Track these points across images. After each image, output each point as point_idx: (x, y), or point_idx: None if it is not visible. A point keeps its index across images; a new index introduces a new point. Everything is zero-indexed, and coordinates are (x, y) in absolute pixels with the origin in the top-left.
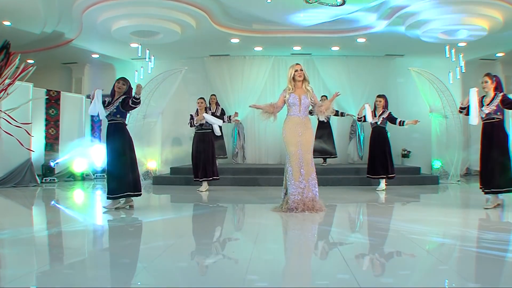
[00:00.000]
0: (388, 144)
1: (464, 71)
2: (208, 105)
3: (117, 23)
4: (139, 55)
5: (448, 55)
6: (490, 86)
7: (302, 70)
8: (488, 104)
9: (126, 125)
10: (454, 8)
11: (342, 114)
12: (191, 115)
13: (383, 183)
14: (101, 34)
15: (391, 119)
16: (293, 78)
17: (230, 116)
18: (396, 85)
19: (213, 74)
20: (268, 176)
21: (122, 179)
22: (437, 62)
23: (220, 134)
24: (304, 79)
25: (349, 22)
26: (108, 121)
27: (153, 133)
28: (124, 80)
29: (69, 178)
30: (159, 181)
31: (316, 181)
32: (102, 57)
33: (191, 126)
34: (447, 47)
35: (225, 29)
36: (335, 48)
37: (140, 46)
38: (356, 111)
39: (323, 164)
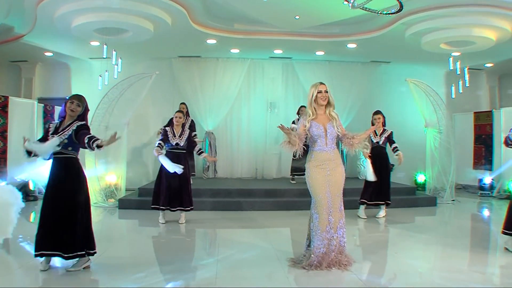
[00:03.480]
0: (389, 168)
1: (468, 85)
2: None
3: (79, 18)
4: (104, 56)
5: (452, 67)
6: None
7: (327, 92)
8: None
9: (79, 160)
10: (464, 18)
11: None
12: (165, 129)
13: (383, 210)
14: (58, 30)
15: (391, 141)
16: (315, 100)
17: (201, 152)
18: (380, 93)
19: (182, 78)
20: (252, 199)
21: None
22: (424, 70)
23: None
24: (329, 103)
25: (341, 26)
26: (54, 154)
27: (117, 146)
28: (79, 99)
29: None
30: (125, 204)
31: (345, 229)
32: (56, 56)
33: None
34: (451, 59)
35: (203, 28)
36: (320, 53)
37: (105, 47)
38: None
39: (292, 181)
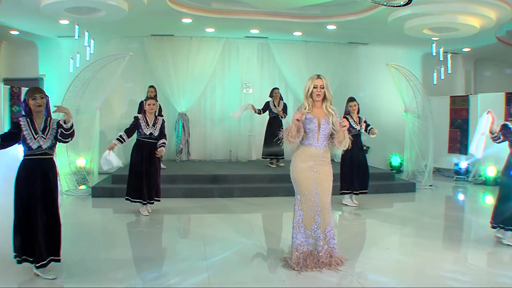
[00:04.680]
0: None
1: (450, 71)
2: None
3: None
4: (76, 37)
5: (435, 53)
6: None
7: (323, 87)
8: None
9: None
10: (450, 5)
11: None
12: (136, 117)
13: (354, 199)
14: (25, 9)
15: (367, 124)
16: (311, 95)
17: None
18: (357, 74)
19: (154, 57)
20: (227, 185)
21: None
22: (401, 52)
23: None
24: (325, 98)
25: (322, 8)
26: (36, 155)
27: (89, 130)
28: (40, 91)
29: None
30: (99, 192)
31: (334, 231)
32: (23, 34)
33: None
34: (434, 45)
35: (180, 7)
36: (297, 33)
37: (77, 27)
38: None
39: (280, 164)
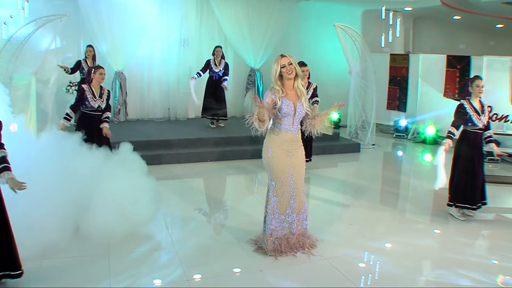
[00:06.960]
0: None
1: (398, 35)
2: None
3: None
4: None
5: (384, 17)
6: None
7: (291, 64)
8: (483, 113)
9: None
10: None
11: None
12: (82, 89)
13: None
14: None
15: (314, 95)
16: (280, 76)
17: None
18: (298, 32)
19: (88, 14)
20: (174, 151)
21: None
22: (342, 8)
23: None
24: (297, 76)
25: None
26: None
27: (26, 100)
28: None
29: None
30: None
31: (307, 213)
32: None
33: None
34: (383, 8)
35: None
36: None
37: None
38: (254, 60)
39: (220, 125)
